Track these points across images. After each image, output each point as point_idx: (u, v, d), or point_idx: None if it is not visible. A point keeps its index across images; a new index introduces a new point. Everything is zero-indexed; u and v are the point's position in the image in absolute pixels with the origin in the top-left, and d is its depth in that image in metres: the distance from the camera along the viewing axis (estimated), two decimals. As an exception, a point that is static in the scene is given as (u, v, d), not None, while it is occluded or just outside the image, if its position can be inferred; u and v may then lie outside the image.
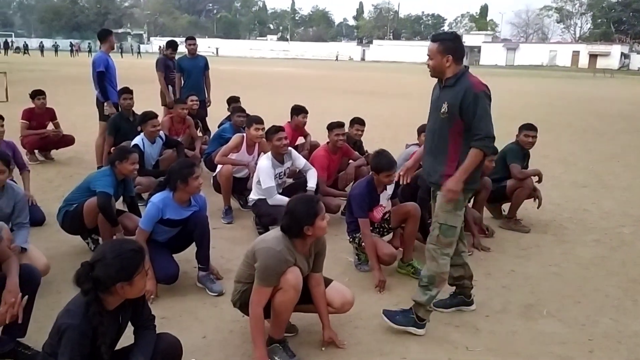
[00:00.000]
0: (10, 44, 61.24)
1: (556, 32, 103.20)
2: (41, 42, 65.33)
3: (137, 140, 6.01)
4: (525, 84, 34.53)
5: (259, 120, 5.64)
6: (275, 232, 3.14)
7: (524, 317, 3.88)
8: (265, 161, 5.09)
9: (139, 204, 5.95)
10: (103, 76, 7.34)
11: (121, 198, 4.77)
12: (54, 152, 8.25)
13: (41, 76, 24.96)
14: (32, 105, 7.84)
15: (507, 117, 16.32)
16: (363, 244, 4.26)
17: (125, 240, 2.78)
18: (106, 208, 4.21)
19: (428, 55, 3.36)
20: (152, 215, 3.85)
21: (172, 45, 9.27)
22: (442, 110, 3.34)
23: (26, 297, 2.78)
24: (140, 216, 4.65)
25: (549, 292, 4.30)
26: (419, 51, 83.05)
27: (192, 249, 4.16)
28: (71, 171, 7.54)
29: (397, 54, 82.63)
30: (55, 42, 69.43)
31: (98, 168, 7.74)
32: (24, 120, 7.72)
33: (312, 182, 5.21)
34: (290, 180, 5.87)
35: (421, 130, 6.09)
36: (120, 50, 67.70)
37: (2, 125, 5.16)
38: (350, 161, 6.10)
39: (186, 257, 4.28)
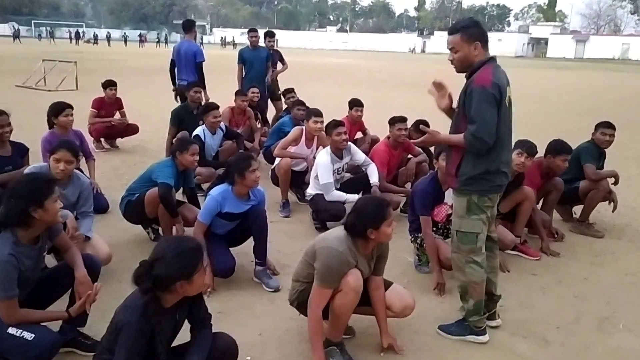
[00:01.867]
0: (82, 35, 63.93)
1: (629, 24, 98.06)
2: (108, 32, 67.87)
3: (199, 130, 6.05)
4: (596, 78, 32.85)
5: (318, 113, 5.56)
6: (337, 231, 3.03)
7: (598, 330, 3.61)
8: (324, 156, 4.99)
9: (198, 195, 6.05)
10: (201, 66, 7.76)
11: (181, 189, 4.79)
12: (119, 141, 8.47)
13: (110, 66, 25.88)
14: (102, 95, 8.07)
15: (577, 112, 15.58)
16: (425, 244, 4.10)
17: (184, 238, 2.74)
18: (166, 199, 4.23)
19: (451, 49, 3.14)
20: (211, 208, 3.84)
21: (270, 34, 9.26)
22: (455, 105, 3.19)
23: (100, 284, 2.80)
24: (199, 207, 4.68)
25: (626, 304, 3.99)
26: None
27: (250, 242, 4.13)
28: (135, 159, 7.72)
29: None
30: (125, 33, 71.87)
31: None
32: (93, 109, 7.96)
33: (374, 178, 5.08)
34: (348, 175, 5.76)
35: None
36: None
37: (72, 115, 5.30)
38: (411, 157, 5.92)
39: (243, 251, 4.25)
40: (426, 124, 4.03)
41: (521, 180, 4.70)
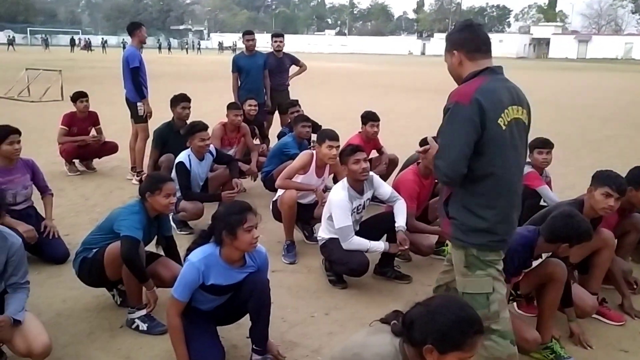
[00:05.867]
0: (78, 42, 62.82)
1: (631, 24, 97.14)
2: (102, 39, 66.77)
3: (183, 156, 4.96)
4: (604, 79, 31.77)
5: (333, 137, 4.43)
6: (381, 336, 1.94)
7: None
8: (339, 192, 3.88)
9: (185, 233, 4.98)
10: (137, 72, 6.55)
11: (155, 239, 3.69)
12: (96, 162, 7.38)
13: (102, 73, 24.73)
14: (74, 109, 6.99)
15: (598, 117, 14.46)
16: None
17: None
18: (131, 259, 3.14)
19: None
20: (189, 280, 2.74)
21: (278, 35, 8.10)
22: None
23: None
24: (180, 261, 3.60)
25: None
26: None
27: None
28: (112, 185, 6.62)
29: (459, 47, 79.42)
30: (124, 40, 71.00)
31: (132, 168, 6.88)
32: (63, 126, 6.88)
33: (400, 220, 3.95)
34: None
35: (539, 145, 4.75)
36: (186, 48, 69.14)
37: (19, 142, 4.20)
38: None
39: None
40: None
41: (597, 222, 3.62)
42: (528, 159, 4.79)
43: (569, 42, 77.45)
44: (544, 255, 3.12)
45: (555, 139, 4.97)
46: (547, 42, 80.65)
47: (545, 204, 4.45)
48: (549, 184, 4.86)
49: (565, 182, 6.78)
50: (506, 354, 2.45)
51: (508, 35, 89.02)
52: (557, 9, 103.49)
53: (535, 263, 3.08)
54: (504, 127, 2.32)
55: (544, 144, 4.75)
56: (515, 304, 3.70)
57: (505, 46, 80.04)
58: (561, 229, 2.86)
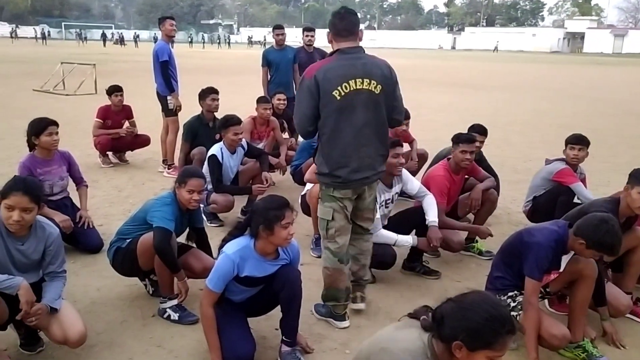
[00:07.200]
0: (111, 36, 63.94)
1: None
2: (135, 33, 67.76)
3: (215, 149, 5.00)
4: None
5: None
6: (410, 331, 1.94)
7: None
8: (370, 185, 3.89)
9: (215, 225, 5.05)
10: (166, 66, 6.63)
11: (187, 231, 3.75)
12: (129, 154, 7.53)
13: (134, 67, 25.11)
14: (109, 103, 7.13)
15: (637, 114, 14.02)
16: (518, 314, 2.97)
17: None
18: (164, 249, 3.20)
19: None
20: (224, 271, 2.78)
21: (309, 29, 7.92)
22: None
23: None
24: (210, 252, 3.66)
25: None
26: (514, 38, 78.63)
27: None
28: (144, 177, 6.74)
29: (490, 41, 78.07)
30: (155, 34, 72.01)
31: (163, 161, 6.98)
32: (98, 119, 7.03)
33: (432, 215, 3.91)
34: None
35: (572, 141, 4.65)
36: (217, 42, 69.64)
37: (57, 133, 4.31)
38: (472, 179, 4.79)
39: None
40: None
41: (633, 220, 3.54)
42: (562, 155, 4.71)
43: (604, 37, 75.50)
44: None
45: (590, 135, 4.86)
46: (581, 36, 78.76)
47: (579, 201, 4.37)
48: (583, 180, 4.76)
49: (600, 179, 6.63)
50: (332, 267, 3.26)
51: (541, 29, 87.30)
52: (593, 3, 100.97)
53: (563, 263, 3.01)
54: (338, 97, 3.01)
55: (577, 140, 4.64)
56: (546, 301, 3.65)
57: (538, 40, 78.48)
58: (588, 227, 2.79)
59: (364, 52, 3.16)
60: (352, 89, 3.02)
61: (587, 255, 2.89)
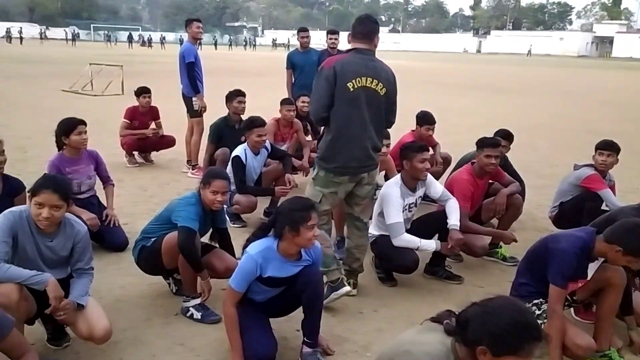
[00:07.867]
0: (138, 38, 64.93)
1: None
2: (161, 35, 68.67)
3: (239, 150, 5.05)
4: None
5: (386, 135, 4.40)
6: (432, 335, 1.93)
7: None
8: (393, 188, 3.86)
9: (237, 226, 5.08)
10: (193, 67, 6.72)
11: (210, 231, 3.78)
12: (154, 154, 7.63)
13: (161, 68, 25.42)
14: (136, 104, 7.24)
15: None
16: (543, 322, 2.92)
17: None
18: (188, 248, 3.24)
19: None
20: (247, 271, 2.81)
21: (333, 32, 7.73)
22: None
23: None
24: (233, 253, 3.69)
25: None
26: (542, 42, 77.52)
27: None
28: (168, 178, 6.83)
29: (516, 45, 77.16)
30: (181, 36, 73.01)
31: (187, 162, 7.06)
32: (125, 119, 7.15)
33: (453, 219, 3.88)
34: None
35: (601, 147, 4.58)
36: (244, 44, 70.31)
37: (86, 132, 4.38)
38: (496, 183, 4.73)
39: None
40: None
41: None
42: (591, 161, 4.64)
43: (634, 41, 73.96)
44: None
45: (619, 140, 4.77)
46: (610, 40, 77.47)
47: (607, 208, 4.29)
48: (612, 187, 4.67)
49: (628, 186, 6.50)
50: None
51: (569, 32, 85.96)
52: (622, 6, 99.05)
53: (590, 272, 2.96)
54: (351, 89, 3.30)
55: (606, 146, 4.57)
56: (572, 310, 3.59)
57: (565, 44, 77.33)
58: (624, 232, 2.73)
59: (374, 56, 3.50)
60: (361, 84, 3.34)
61: (622, 263, 2.82)
